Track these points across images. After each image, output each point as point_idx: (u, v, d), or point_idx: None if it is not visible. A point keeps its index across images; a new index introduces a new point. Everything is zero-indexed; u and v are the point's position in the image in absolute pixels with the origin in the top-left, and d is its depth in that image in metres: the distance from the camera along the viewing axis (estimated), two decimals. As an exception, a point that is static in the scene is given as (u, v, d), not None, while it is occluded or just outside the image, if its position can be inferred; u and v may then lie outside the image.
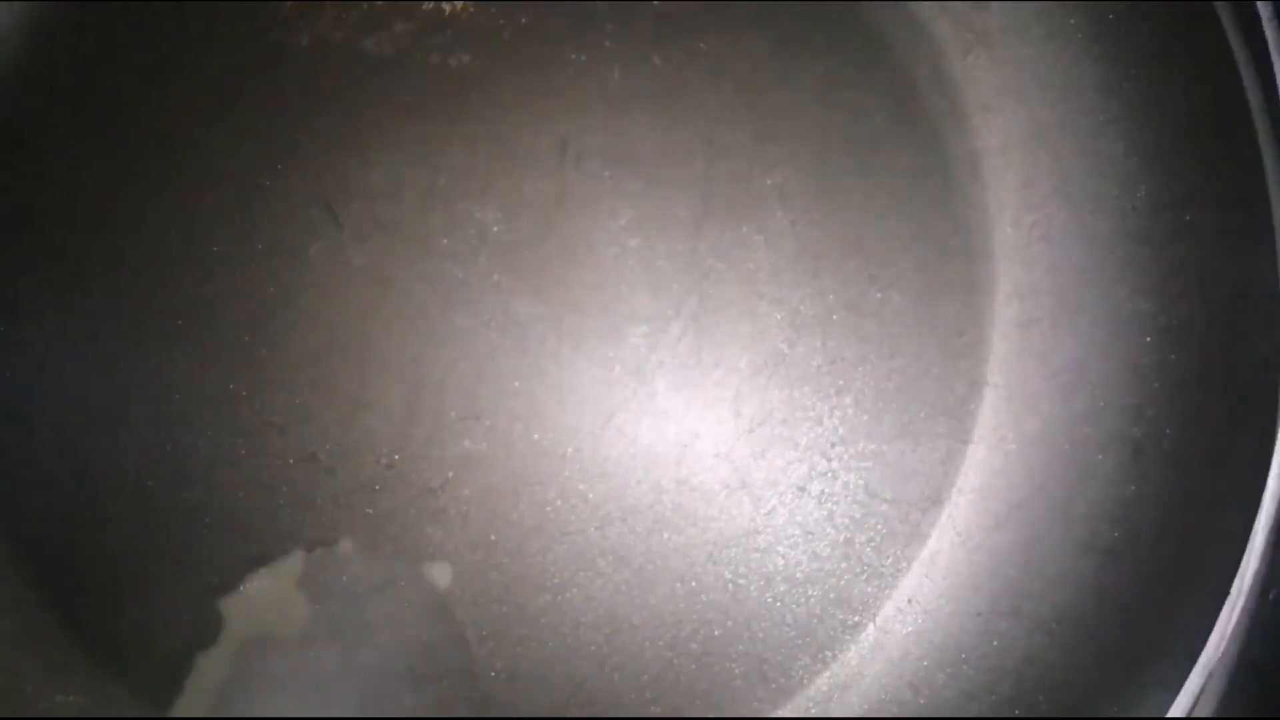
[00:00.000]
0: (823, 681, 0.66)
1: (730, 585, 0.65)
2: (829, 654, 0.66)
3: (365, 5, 0.67)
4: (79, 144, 0.68)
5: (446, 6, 0.68)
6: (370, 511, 0.66)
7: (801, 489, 0.65)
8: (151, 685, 0.65)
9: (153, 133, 0.68)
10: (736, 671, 0.66)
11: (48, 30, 0.68)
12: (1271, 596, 0.65)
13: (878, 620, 0.65)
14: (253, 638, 0.66)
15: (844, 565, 0.65)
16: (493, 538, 0.66)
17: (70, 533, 0.67)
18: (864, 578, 0.65)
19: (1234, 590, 0.55)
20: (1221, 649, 0.55)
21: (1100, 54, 0.63)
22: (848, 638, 0.65)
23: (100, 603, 0.66)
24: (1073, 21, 0.63)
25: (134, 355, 0.67)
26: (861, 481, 0.65)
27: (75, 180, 0.68)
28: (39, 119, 0.68)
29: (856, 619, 0.65)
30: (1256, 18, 0.62)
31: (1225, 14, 0.58)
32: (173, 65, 0.67)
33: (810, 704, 0.66)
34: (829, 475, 0.65)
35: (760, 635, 0.65)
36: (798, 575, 0.65)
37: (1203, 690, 0.55)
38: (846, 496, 0.65)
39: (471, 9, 0.67)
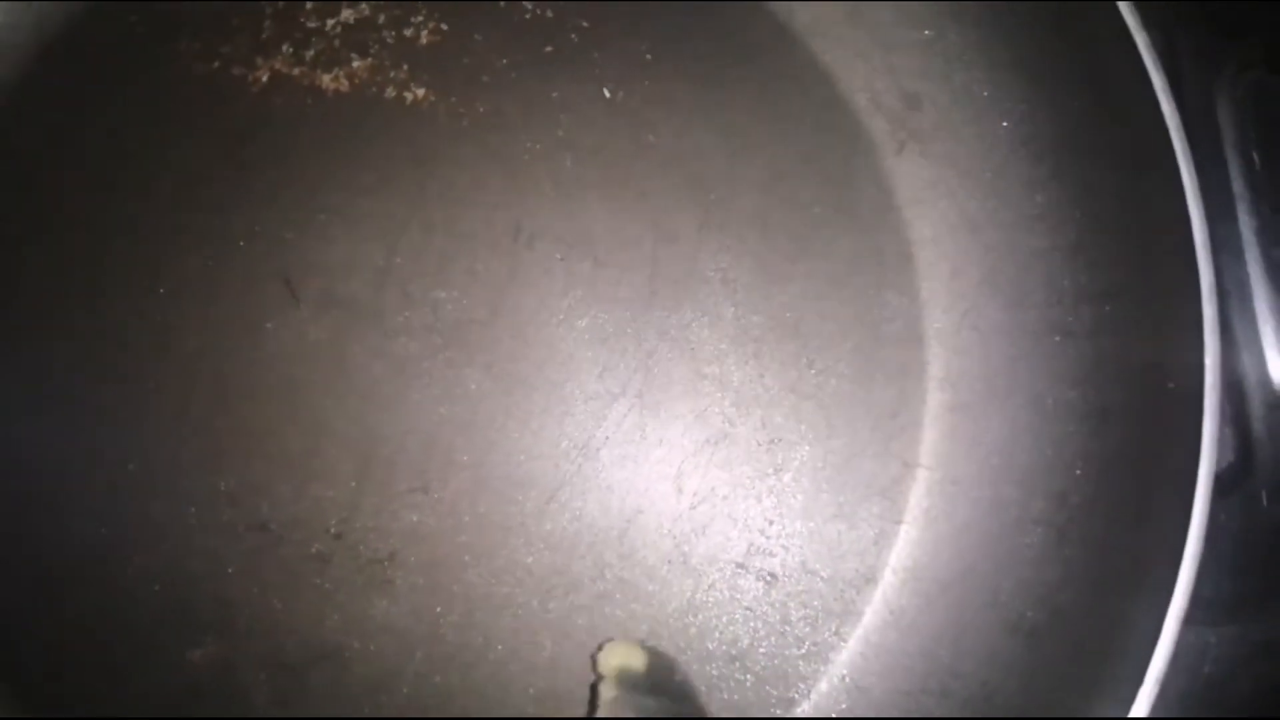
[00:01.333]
0: (759, 757, 0.67)
1: (675, 657, 0.67)
2: (765, 729, 0.67)
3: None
4: (34, 211, 0.70)
5: (408, 96, 0.71)
6: (318, 581, 0.67)
7: (740, 565, 0.67)
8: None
9: (113, 201, 0.70)
10: (674, 746, 0.67)
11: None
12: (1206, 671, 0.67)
13: (812, 698, 0.66)
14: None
15: (781, 642, 0.66)
16: (438, 609, 0.67)
17: (16, 599, 0.68)
18: (800, 654, 0.66)
19: (1150, 671, 0.56)
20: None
21: (1028, 153, 0.67)
22: (783, 715, 0.66)
23: (45, 667, 0.67)
24: (1005, 124, 0.67)
25: (87, 421, 0.69)
26: (799, 559, 0.67)
27: (29, 249, 0.70)
28: None
29: (792, 695, 0.66)
30: (1195, 111, 0.65)
31: (1156, 110, 0.61)
32: (133, 130, 0.70)
33: (746, 779, 0.67)
34: (767, 553, 0.67)
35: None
36: (734, 651, 0.66)
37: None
38: (784, 574, 0.67)
39: (432, 98, 0.71)
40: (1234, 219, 0.67)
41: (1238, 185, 0.67)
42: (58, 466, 0.68)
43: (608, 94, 0.70)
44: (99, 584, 0.68)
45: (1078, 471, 0.64)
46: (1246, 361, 0.66)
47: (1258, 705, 0.66)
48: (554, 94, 0.70)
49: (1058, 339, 0.66)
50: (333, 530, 0.68)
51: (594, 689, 0.64)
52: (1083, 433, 0.64)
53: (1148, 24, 0.59)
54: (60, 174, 0.70)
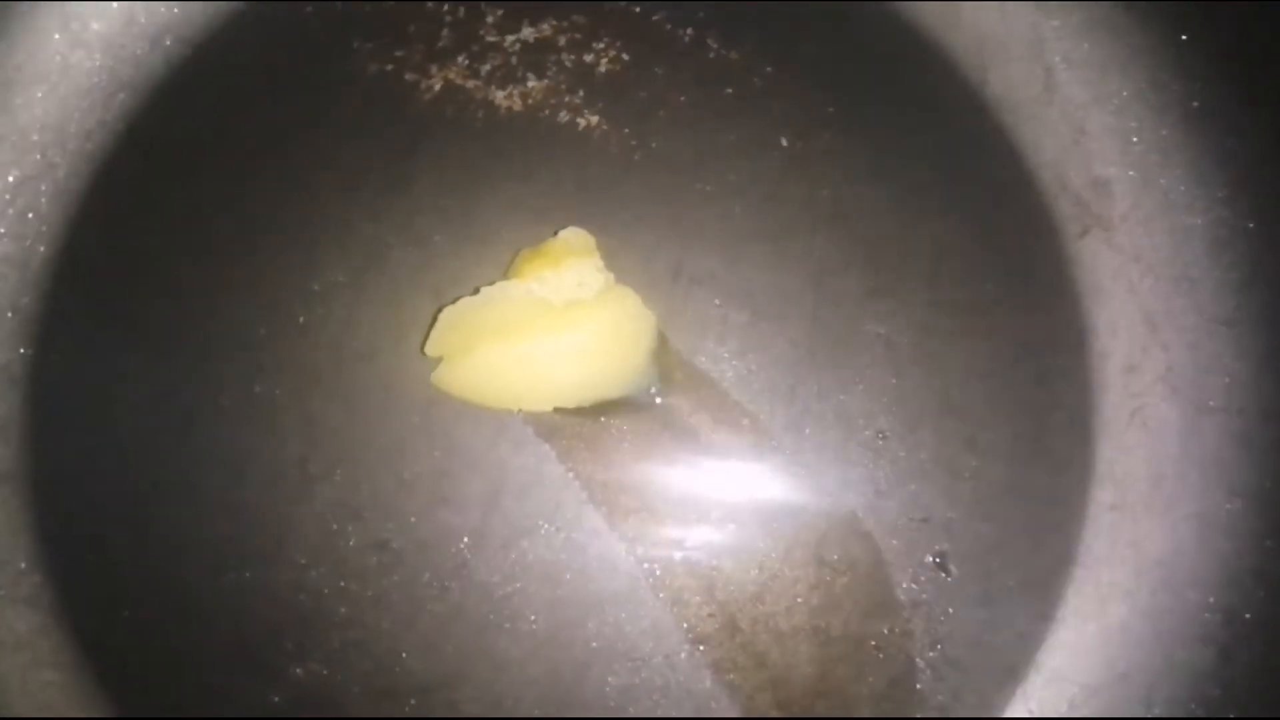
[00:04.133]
0: None
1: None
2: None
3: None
4: (193, 203, 0.69)
5: (581, 122, 0.69)
6: (436, 610, 0.65)
7: (876, 646, 0.64)
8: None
9: (272, 197, 0.69)
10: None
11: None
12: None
13: (940, 794, 0.63)
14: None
15: (912, 731, 0.63)
16: (557, 655, 0.64)
17: (122, 596, 0.65)
18: (931, 747, 0.63)
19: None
20: None
21: (1221, 255, 0.65)
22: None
23: (143, 670, 0.65)
24: (1199, 222, 0.65)
25: (217, 420, 0.66)
26: (938, 647, 0.64)
27: (184, 238, 0.69)
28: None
29: (921, 789, 0.63)
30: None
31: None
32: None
33: None
34: (906, 634, 0.64)
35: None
36: (862, 735, 0.63)
37: None
38: (921, 660, 0.64)
39: (605, 127, 0.69)
40: None
41: None
42: (182, 464, 0.66)
43: (785, 143, 0.69)
44: (209, 588, 0.65)
45: (1251, 590, 0.61)
46: None
47: None
48: (730, 137, 0.69)
49: (1236, 450, 0.63)
50: (457, 559, 0.65)
51: None
52: (1257, 550, 0.62)
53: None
54: (222, 165, 0.69)
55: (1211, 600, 0.62)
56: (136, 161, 0.69)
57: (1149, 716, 0.62)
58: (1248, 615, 0.61)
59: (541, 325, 0.62)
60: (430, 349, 0.64)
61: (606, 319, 0.63)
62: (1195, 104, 0.65)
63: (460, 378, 0.64)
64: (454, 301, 0.63)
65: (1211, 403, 0.64)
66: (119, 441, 0.67)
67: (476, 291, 0.63)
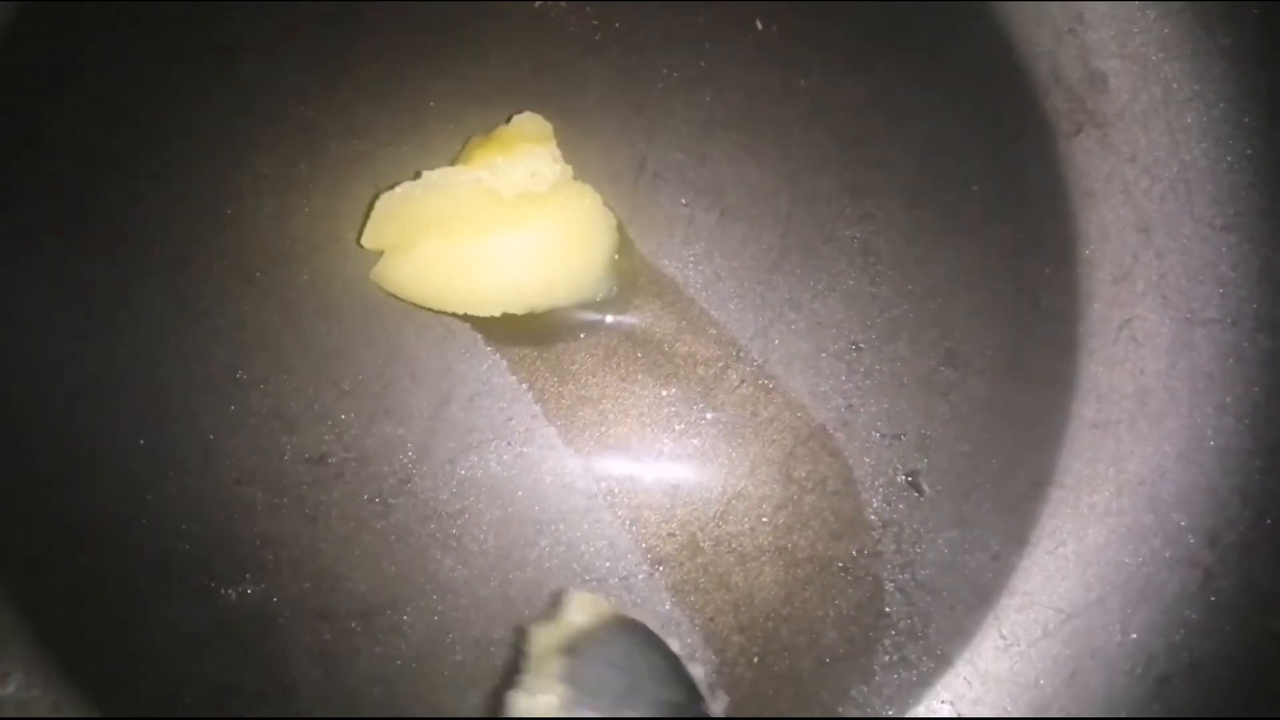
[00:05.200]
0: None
1: (755, 659, 0.61)
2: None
3: None
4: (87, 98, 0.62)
5: (536, 4, 0.63)
6: (378, 528, 0.60)
7: (845, 568, 0.61)
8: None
9: (191, 91, 0.62)
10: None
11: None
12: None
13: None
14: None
15: (881, 657, 0.61)
16: (509, 574, 0.60)
17: (35, 511, 0.60)
18: (899, 672, 0.61)
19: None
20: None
21: (1221, 156, 0.60)
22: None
23: (65, 592, 0.60)
24: (1202, 121, 0.60)
25: (135, 324, 0.61)
26: (908, 568, 0.61)
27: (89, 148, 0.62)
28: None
29: (890, 712, 0.60)
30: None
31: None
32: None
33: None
34: (874, 555, 0.61)
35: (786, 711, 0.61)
36: (826, 658, 0.61)
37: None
38: (890, 581, 0.61)
39: (564, 4, 0.63)
40: None
41: None
42: (100, 372, 0.61)
43: (760, 26, 0.63)
44: (131, 506, 0.60)
45: (1234, 510, 0.58)
46: None
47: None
48: (700, 18, 0.63)
49: (1228, 364, 0.60)
50: (399, 473, 0.61)
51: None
52: (1245, 470, 0.59)
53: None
54: (140, 42, 0.62)
55: (1195, 522, 0.60)
56: (49, 37, 0.62)
57: (1124, 641, 0.59)
58: (1232, 538, 0.59)
59: (490, 219, 0.57)
60: (367, 240, 0.58)
61: (562, 216, 0.58)
62: (1204, -8, 0.60)
63: (400, 275, 0.58)
64: (392, 188, 0.58)
65: (1204, 314, 0.61)
66: (30, 348, 0.61)
67: (418, 177, 0.58)
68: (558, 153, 0.59)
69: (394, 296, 0.60)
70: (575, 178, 0.60)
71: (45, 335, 0.61)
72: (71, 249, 0.61)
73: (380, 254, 0.59)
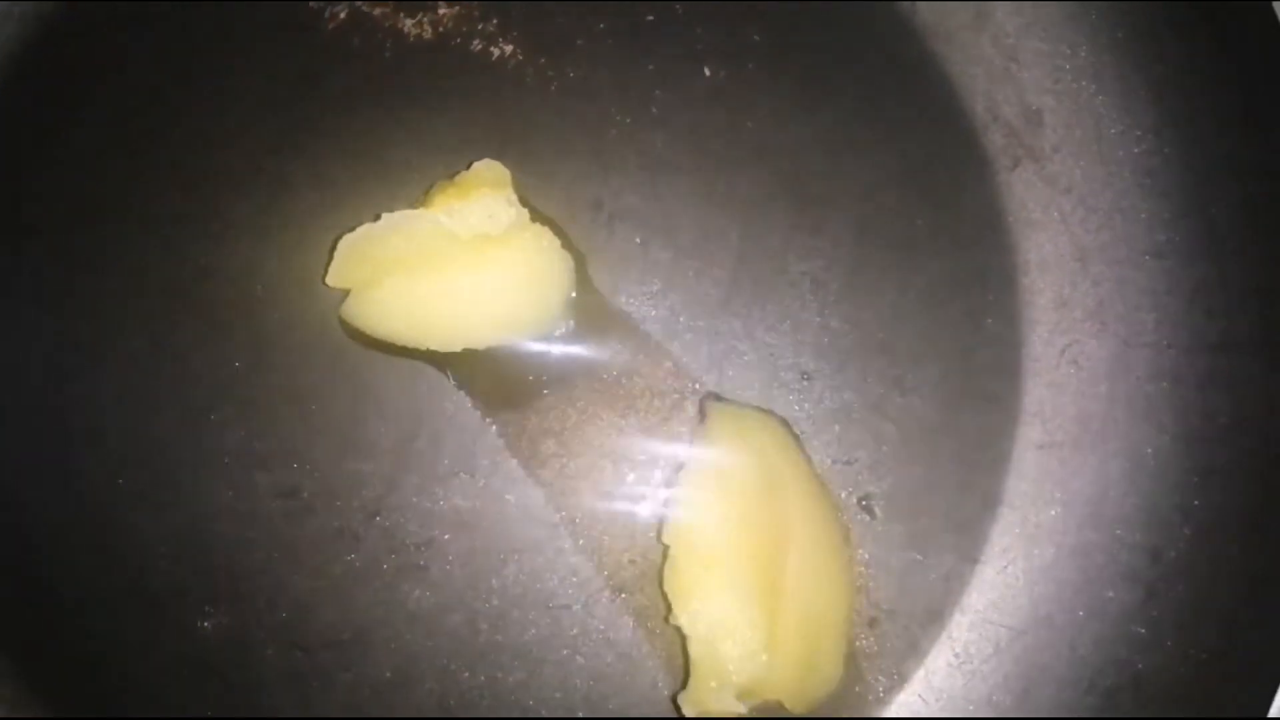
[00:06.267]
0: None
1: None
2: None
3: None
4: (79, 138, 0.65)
5: (495, 51, 0.66)
6: (349, 559, 0.63)
7: (800, 590, 0.63)
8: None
9: (164, 134, 0.65)
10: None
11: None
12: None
13: (865, 737, 0.62)
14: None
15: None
16: (474, 603, 0.62)
17: (16, 550, 0.63)
18: (856, 691, 0.62)
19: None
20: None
21: (1153, 186, 0.63)
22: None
23: (43, 626, 0.63)
24: (1134, 151, 0.63)
25: (110, 365, 0.63)
26: (862, 589, 0.63)
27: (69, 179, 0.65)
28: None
29: (845, 732, 0.62)
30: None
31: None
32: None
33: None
34: (830, 579, 0.63)
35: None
36: (786, 679, 0.62)
37: None
38: (846, 603, 0.63)
39: (520, 56, 0.66)
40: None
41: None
42: (82, 413, 0.63)
43: (708, 73, 0.66)
44: (109, 539, 0.63)
45: (1178, 528, 0.60)
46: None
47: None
48: (650, 66, 0.66)
49: (1164, 385, 0.62)
50: (369, 507, 0.63)
51: None
52: (1183, 487, 0.61)
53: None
54: (115, 101, 0.65)
55: (1138, 539, 0.61)
56: (23, 97, 0.65)
57: (1073, 656, 0.61)
58: (1173, 554, 0.60)
59: (448, 258, 0.60)
60: (331, 279, 0.61)
61: (517, 255, 0.60)
62: (1124, 31, 0.62)
63: (366, 312, 0.61)
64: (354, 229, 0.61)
65: (1141, 338, 0.63)
66: (11, 390, 0.64)
67: (378, 219, 0.61)
68: (514, 197, 0.62)
69: (361, 333, 0.63)
70: (535, 219, 0.62)
71: (27, 379, 0.64)
72: (54, 297, 0.64)
73: (346, 294, 0.62)
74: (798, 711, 0.60)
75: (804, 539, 0.60)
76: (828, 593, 0.60)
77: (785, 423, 0.63)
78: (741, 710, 0.58)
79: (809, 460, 0.62)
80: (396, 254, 0.60)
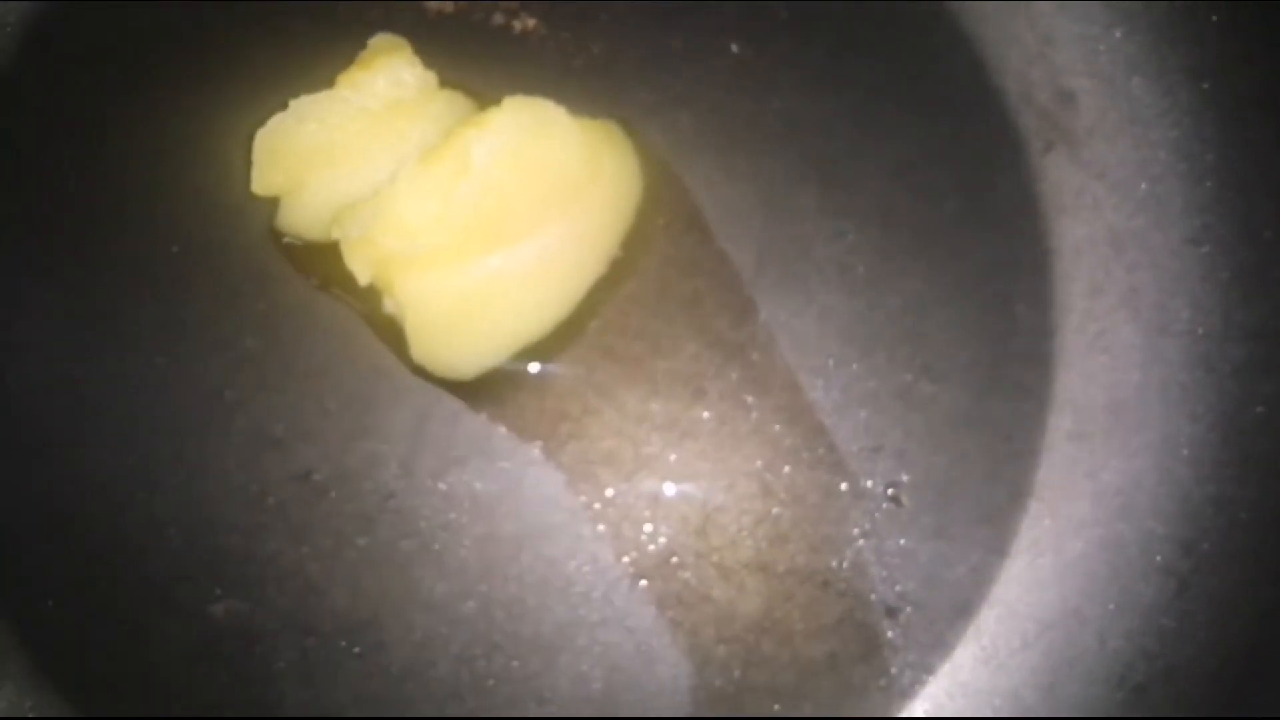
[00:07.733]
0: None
1: (737, 673, 0.61)
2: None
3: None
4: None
5: (517, 25, 0.64)
6: (361, 544, 0.61)
7: (825, 582, 0.61)
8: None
9: (176, 116, 0.64)
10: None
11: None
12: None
13: (890, 731, 0.61)
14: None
15: (860, 668, 0.61)
16: (488, 590, 0.61)
17: (26, 532, 0.61)
18: (879, 684, 0.61)
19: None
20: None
21: (1189, 171, 0.62)
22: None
23: (53, 609, 0.61)
24: (1171, 135, 0.61)
25: (119, 344, 0.62)
26: (889, 581, 0.61)
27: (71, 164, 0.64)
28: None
29: (870, 725, 0.61)
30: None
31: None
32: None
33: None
34: (856, 569, 0.61)
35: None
36: (808, 669, 0.61)
37: None
38: (871, 595, 0.61)
39: (543, 31, 0.64)
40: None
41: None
42: (89, 394, 0.62)
43: (735, 49, 0.64)
44: (118, 522, 0.61)
45: (1210, 520, 0.59)
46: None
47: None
48: (676, 43, 0.64)
49: (1199, 374, 0.61)
50: (382, 490, 0.61)
51: None
52: (1218, 479, 0.60)
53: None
54: (108, 83, 0.64)
55: (1170, 531, 0.60)
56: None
57: (1102, 650, 0.60)
58: (1206, 546, 0.59)
59: (367, 138, 0.58)
60: (257, 186, 0.59)
61: (433, 125, 0.58)
62: (1160, 13, 0.61)
63: (299, 218, 0.60)
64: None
65: (1175, 326, 0.62)
66: (26, 369, 0.63)
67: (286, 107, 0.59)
68: (417, 60, 0.60)
69: (303, 242, 0.61)
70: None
71: (41, 357, 0.62)
72: (64, 280, 0.63)
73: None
74: (416, 357, 0.59)
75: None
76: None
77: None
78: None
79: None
80: (315, 144, 0.58)
